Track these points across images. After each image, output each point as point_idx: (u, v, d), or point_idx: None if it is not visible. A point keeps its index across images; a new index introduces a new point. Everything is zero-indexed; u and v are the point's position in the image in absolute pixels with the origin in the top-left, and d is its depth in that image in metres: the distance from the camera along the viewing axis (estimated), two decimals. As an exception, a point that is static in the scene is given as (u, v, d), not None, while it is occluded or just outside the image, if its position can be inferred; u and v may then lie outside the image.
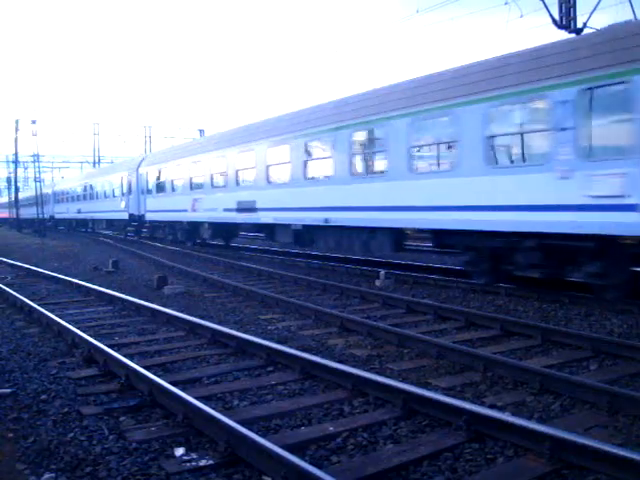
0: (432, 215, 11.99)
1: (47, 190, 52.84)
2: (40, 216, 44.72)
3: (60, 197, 47.65)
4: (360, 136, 14.25)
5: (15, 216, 52.77)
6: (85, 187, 39.54)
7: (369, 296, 11.36)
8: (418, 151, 12.72)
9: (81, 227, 44.53)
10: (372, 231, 13.97)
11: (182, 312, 9.54)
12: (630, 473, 3.70)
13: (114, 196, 32.69)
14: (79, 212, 40.92)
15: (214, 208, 20.82)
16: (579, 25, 16.39)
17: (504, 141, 11.09)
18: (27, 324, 9.42)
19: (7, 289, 12.17)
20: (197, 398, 5.13)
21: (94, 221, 39.43)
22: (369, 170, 14.10)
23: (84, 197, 39.65)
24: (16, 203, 51.96)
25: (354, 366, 6.38)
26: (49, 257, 21.89)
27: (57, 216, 48.81)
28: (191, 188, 22.96)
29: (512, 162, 10.91)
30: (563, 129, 9.51)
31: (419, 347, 7.34)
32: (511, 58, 10.86)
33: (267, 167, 17.78)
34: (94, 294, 12.13)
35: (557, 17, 16.51)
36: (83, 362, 6.99)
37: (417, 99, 12.37)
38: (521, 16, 19.08)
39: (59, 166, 72.41)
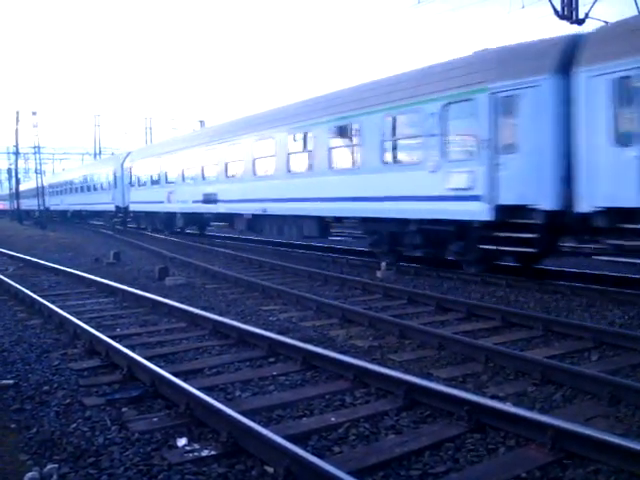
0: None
1: (105, 168, 35.38)
2: (41, 207, 44.30)
3: (143, 177, 28.97)
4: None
5: (42, 206, 45.58)
6: (227, 151, 20.48)
7: (370, 287, 11.36)
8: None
9: (198, 226, 26.76)
10: None
11: (183, 303, 9.55)
12: (631, 463, 3.71)
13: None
14: (210, 200, 21.42)
15: None
16: (581, 16, 16.31)
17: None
18: (29, 316, 9.43)
19: (8, 281, 12.18)
20: (199, 389, 5.14)
21: (262, 220, 18.98)
22: None
23: (220, 171, 20.98)
24: (17, 194, 51.90)
25: (355, 357, 6.39)
26: (50, 249, 21.89)
27: (135, 207, 30.42)
28: None
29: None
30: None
31: (420, 338, 7.35)
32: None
33: None
34: (95, 285, 12.14)
35: (559, 8, 16.43)
36: (85, 353, 7.00)
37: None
38: (523, 7, 19.01)
39: (60, 157, 72.42)
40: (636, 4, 15.40)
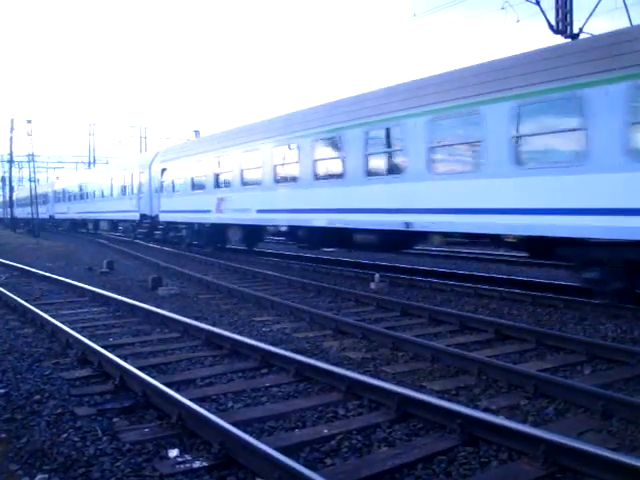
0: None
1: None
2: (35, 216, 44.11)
3: None
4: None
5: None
6: None
7: (364, 299, 11.35)
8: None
9: None
10: None
11: (177, 313, 9.51)
12: (623, 477, 3.70)
13: None
14: None
15: None
16: (575, 30, 16.47)
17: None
18: (21, 324, 9.38)
19: (1, 289, 12.12)
20: (191, 399, 5.12)
21: None
22: None
23: None
24: (10, 202, 51.82)
25: (348, 369, 6.38)
26: (43, 257, 21.82)
27: None
28: None
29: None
30: None
31: (413, 350, 7.34)
32: None
33: None
34: (88, 295, 12.09)
35: (554, 22, 16.59)
36: (77, 363, 6.97)
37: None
38: (517, 21, 19.23)
39: (54, 166, 72.30)
40: (629, 18, 15.56)
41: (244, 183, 18.69)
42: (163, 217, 24.93)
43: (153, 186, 25.96)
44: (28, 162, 52.48)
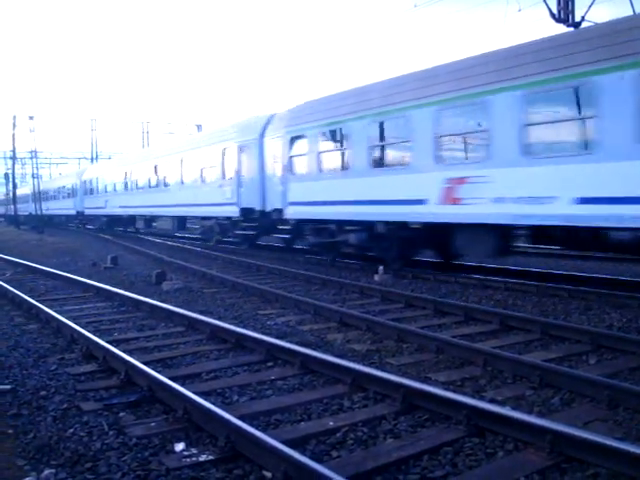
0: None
1: None
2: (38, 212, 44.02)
3: None
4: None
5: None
6: None
7: (368, 291, 11.35)
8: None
9: None
10: None
11: (181, 308, 9.53)
12: (630, 467, 3.70)
13: None
14: None
15: None
16: (577, 19, 16.37)
17: None
18: (26, 320, 9.40)
19: (6, 285, 12.15)
20: (197, 393, 5.12)
21: None
22: None
23: None
24: (14, 199, 51.88)
25: (353, 361, 6.38)
26: (48, 253, 21.86)
27: None
28: None
29: None
30: None
31: (418, 342, 7.34)
32: None
33: None
34: (93, 290, 12.11)
35: (555, 11, 16.49)
36: (82, 358, 6.98)
37: None
38: (519, 10, 19.12)
39: (56, 162, 72.30)
40: (632, 6, 15.46)
41: (532, 152, 10.43)
42: (295, 212, 16.74)
43: (268, 166, 18.25)
44: (31, 158, 52.47)
